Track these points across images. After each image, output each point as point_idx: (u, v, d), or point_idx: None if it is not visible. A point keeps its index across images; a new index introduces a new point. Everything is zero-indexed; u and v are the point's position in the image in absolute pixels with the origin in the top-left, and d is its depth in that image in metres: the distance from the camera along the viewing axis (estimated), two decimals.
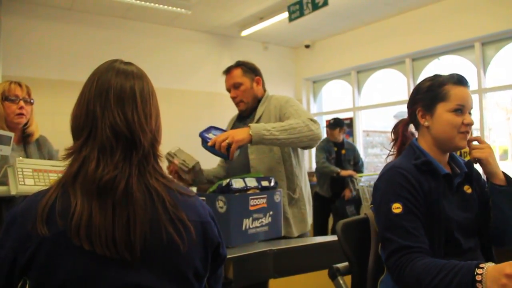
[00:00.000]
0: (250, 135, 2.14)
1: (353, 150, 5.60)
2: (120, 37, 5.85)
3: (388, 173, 1.58)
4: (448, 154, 1.69)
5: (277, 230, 2.25)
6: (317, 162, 5.44)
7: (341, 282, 1.68)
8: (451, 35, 5.54)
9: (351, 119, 6.83)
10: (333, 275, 1.70)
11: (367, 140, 7.47)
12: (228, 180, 2.09)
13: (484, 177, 1.70)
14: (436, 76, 1.67)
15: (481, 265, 1.21)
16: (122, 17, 5.87)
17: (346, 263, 1.71)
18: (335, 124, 5.43)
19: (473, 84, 5.33)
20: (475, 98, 5.26)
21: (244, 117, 2.68)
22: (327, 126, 5.52)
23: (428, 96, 1.64)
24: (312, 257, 2.11)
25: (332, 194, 5.38)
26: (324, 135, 2.29)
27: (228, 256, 1.89)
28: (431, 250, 1.47)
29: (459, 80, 1.61)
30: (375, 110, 7.00)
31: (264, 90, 2.67)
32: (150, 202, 1.03)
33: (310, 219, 2.56)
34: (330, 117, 7.21)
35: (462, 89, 1.60)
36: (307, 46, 7.28)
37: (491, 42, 5.38)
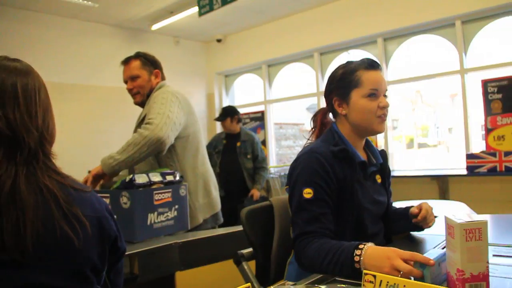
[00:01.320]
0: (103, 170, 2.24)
1: (251, 142, 4.82)
2: (22, 29, 5.50)
3: (305, 156, 1.59)
4: (364, 140, 1.74)
5: (183, 223, 2.26)
6: None
7: (246, 267, 1.71)
8: (356, 30, 5.80)
9: (262, 112, 6.93)
10: (238, 261, 1.73)
11: (280, 133, 7.63)
12: (131, 176, 2.07)
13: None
14: (348, 63, 1.68)
15: (360, 246, 1.28)
16: (25, 8, 5.52)
17: (250, 249, 1.75)
18: (223, 114, 4.83)
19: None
20: None
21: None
22: (215, 119, 5.05)
23: (341, 84, 1.65)
24: (219, 247, 2.14)
25: (225, 194, 4.60)
26: (168, 133, 2.19)
27: (133, 251, 1.87)
28: (340, 236, 1.51)
29: (370, 65, 1.63)
30: (287, 103, 7.15)
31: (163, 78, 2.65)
32: (42, 200, 1.00)
33: (205, 214, 2.56)
34: (242, 110, 7.29)
35: (374, 73, 1.62)
36: (218, 41, 7.29)
37: (393, 38, 5.71)
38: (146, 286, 1.97)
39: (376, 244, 1.64)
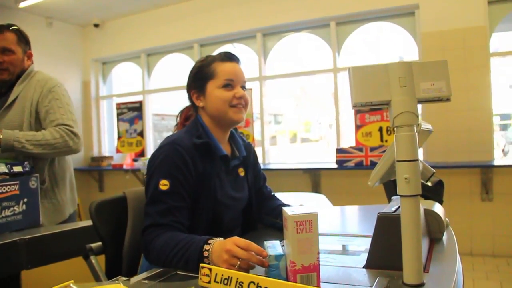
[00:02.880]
0: None
1: None
2: None
3: (166, 147, 1.53)
4: (228, 132, 1.72)
5: (34, 218, 2.08)
6: None
7: (93, 261, 1.61)
8: (237, 24, 5.87)
9: (140, 103, 6.73)
10: (86, 255, 1.62)
11: (162, 124, 7.48)
12: None
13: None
14: (207, 57, 1.69)
15: (209, 241, 1.25)
16: None
17: (100, 243, 1.65)
18: None
19: (254, 72, 5.78)
20: (256, 85, 5.66)
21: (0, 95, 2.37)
22: None
23: (198, 77, 1.65)
24: (69, 243, 1.99)
25: None
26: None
27: None
28: (194, 231, 1.48)
29: (226, 56, 1.65)
30: (171, 94, 6.98)
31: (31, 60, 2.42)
32: None
33: (70, 209, 2.43)
34: (120, 100, 7.03)
35: (230, 65, 1.64)
36: (96, 25, 6.92)
37: (272, 34, 5.83)
38: None
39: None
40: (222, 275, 1.03)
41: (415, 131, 0.97)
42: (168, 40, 6.37)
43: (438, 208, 1.46)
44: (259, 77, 5.84)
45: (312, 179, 5.34)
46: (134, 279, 1.15)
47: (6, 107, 2.26)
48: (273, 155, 6.19)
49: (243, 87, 1.64)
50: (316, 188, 5.30)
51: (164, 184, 1.45)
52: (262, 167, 5.14)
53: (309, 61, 6.37)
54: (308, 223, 1.00)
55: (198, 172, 1.53)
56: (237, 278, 1.00)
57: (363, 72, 0.99)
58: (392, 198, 1.55)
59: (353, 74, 0.99)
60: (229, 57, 1.66)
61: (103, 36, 7.00)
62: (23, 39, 2.34)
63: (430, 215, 1.41)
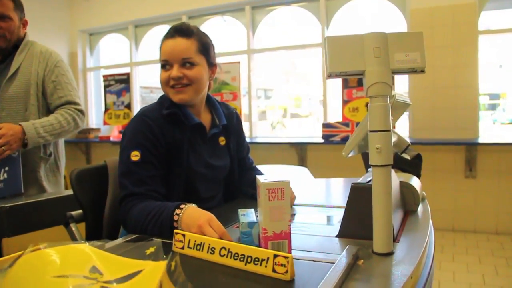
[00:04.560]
0: (26, 143, 2.06)
1: None
2: None
3: (135, 119, 1.55)
4: (203, 104, 1.69)
5: (15, 186, 2.08)
6: None
7: (74, 229, 1.63)
8: None
9: (128, 75, 6.66)
10: (66, 222, 1.63)
11: (151, 97, 7.42)
12: None
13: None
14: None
15: (181, 205, 1.27)
16: None
17: (81, 211, 1.66)
18: None
19: (242, 46, 5.74)
20: (243, 58, 5.62)
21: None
22: None
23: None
24: (51, 211, 2.00)
25: None
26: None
27: None
28: (169, 198, 1.50)
29: (168, 33, 1.57)
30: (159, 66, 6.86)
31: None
32: None
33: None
34: (107, 72, 6.95)
35: (168, 42, 1.56)
36: None
37: (260, 7, 5.77)
38: None
39: (210, 207, 1.66)
40: (195, 241, 1.04)
41: (389, 101, 0.97)
42: (156, 12, 6.27)
43: (414, 181, 1.48)
44: (247, 50, 5.80)
45: (299, 153, 5.37)
46: (111, 244, 1.16)
47: (8, 78, 2.21)
48: (263, 130, 6.19)
49: (188, 63, 1.54)
50: (302, 162, 5.34)
51: (135, 155, 1.46)
52: (249, 141, 5.13)
53: (298, 36, 6.33)
54: (280, 190, 1.00)
55: (168, 141, 1.53)
56: (209, 244, 1.01)
57: (339, 42, 0.99)
58: (368, 169, 1.57)
59: (328, 44, 0.99)
60: (170, 33, 1.57)
61: (90, 7, 6.88)
62: (19, 6, 2.28)
63: (405, 187, 1.43)
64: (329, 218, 1.44)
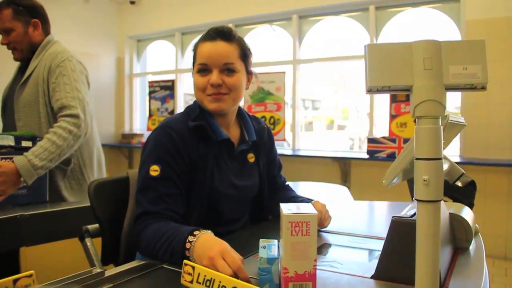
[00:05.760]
0: (21, 181, 1.90)
1: None
2: None
3: (158, 131, 1.42)
4: (232, 115, 1.55)
5: (40, 194, 2.01)
6: None
7: (88, 244, 1.51)
8: (273, 5, 5.69)
9: (173, 81, 6.65)
10: (81, 236, 1.53)
11: None
12: None
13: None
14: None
15: (195, 232, 1.12)
16: None
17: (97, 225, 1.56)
18: None
19: (289, 56, 5.62)
20: (289, 68, 5.50)
21: (23, 67, 2.26)
22: None
23: (193, 58, 1.50)
24: (72, 222, 1.91)
25: None
26: (89, 121, 2.09)
27: None
28: (189, 219, 1.38)
29: (208, 34, 1.44)
30: None
31: (47, 34, 2.24)
32: None
33: None
34: (153, 78, 6.99)
35: (207, 45, 1.43)
36: (132, 2, 6.87)
37: (308, 16, 5.63)
38: None
39: (233, 229, 1.52)
40: (205, 275, 0.91)
41: (440, 124, 0.80)
42: (203, 19, 6.24)
43: (466, 213, 1.29)
44: (293, 61, 5.66)
45: (342, 169, 5.16)
46: (110, 271, 1.04)
47: (22, 83, 2.15)
48: (309, 141, 6.02)
49: (228, 70, 1.42)
50: (345, 178, 5.12)
51: (154, 170, 1.34)
52: (291, 153, 4.98)
53: (346, 47, 6.14)
54: (305, 224, 0.85)
55: (192, 157, 1.40)
56: (220, 282, 0.88)
57: (382, 51, 0.83)
58: (413, 198, 1.38)
59: (369, 53, 0.82)
60: (211, 35, 1.43)
61: (138, 13, 6.94)
62: (21, 10, 2.15)
63: (456, 220, 1.24)
64: (367, 252, 1.26)
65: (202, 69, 1.42)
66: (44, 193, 2.03)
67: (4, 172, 1.84)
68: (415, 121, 0.83)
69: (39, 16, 2.21)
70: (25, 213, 1.77)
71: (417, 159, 0.81)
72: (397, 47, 0.83)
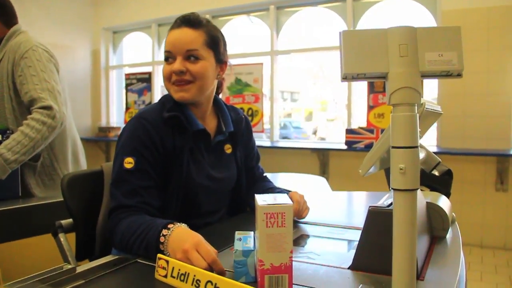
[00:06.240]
0: None
1: None
2: None
3: (132, 122, 1.38)
4: (208, 106, 1.52)
5: (12, 190, 1.96)
6: None
7: (62, 239, 1.46)
8: None
9: (150, 74, 6.57)
10: (55, 232, 1.48)
11: None
12: None
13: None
14: None
15: (169, 225, 1.10)
16: None
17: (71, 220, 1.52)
18: None
19: (266, 47, 5.59)
20: (267, 60, 5.47)
21: None
22: None
23: None
24: (44, 217, 1.86)
25: None
26: (63, 110, 1.99)
27: None
28: (166, 213, 1.35)
29: (175, 22, 1.42)
30: None
31: (9, 27, 2.13)
32: None
33: None
34: (130, 70, 6.90)
35: (173, 32, 1.40)
36: None
37: (285, 7, 5.61)
38: None
39: (211, 222, 1.50)
40: (179, 269, 0.89)
41: (417, 112, 0.79)
42: (180, 10, 6.04)
43: (443, 202, 1.29)
44: (271, 52, 5.63)
45: (321, 160, 5.17)
46: (83, 267, 1.01)
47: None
48: (285, 132, 6.01)
49: (192, 56, 1.38)
50: (323, 169, 5.14)
51: (128, 162, 1.30)
52: (269, 145, 4.95)
53: (324, 38, 6.14)
54: (281, 215, 0.83)
55: (167, 148, 1.36)
56: (194, 275, 0.86)
57: (357, 38, 0.81)
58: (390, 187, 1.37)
59: (344, 40, 0.81)
60: (177, 23, 1.41)
61: (114, 4, 6.82)
62: None
63: (433, 209, 1.24)
64: (343, 243, 1.26)
65: (168, 57, 1.40)
66: (16, 188, 1.97)
67: None
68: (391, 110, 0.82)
69: (2, 7, 2.11)
70: None
71: (393, 147, 0.79)
72: (372, 33, 0.81)
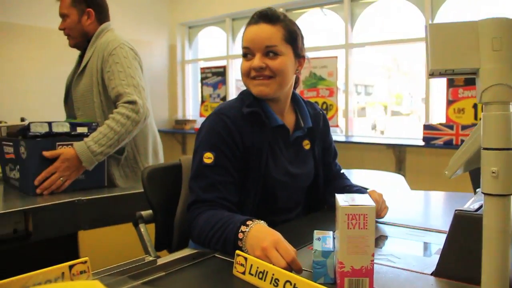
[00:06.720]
0: (83, 167, 1.96)
1: None
2: None
3: (212, 117, 1.42)
4: (286, 101, 1.52)
5: (98, 179, 2.07)
6: None
7: (142, 230, 1.53)
8: None
9: (224, 67, 6.67)
10: (135, 222, 1.55)
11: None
12: (27, 122, 1.86)
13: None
14: None
15: (247, 222, 1.10)
16: None
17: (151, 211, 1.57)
18: None
19: (341, 40, 5.49)
20: (341, 53, 5.37)
21: (82, 56, 2.30)
22: None
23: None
24: (124, 207, 1.94)
25: None
26: (148, 106, 2.08)
27: (26, 207, 1.68)
28: (243, 207, 1.37)
29: (252, 18, 1.42)
30: None
31: (101, 23, 2.26)
32: None
33: None
34: (205, 64, 7.03)
35: (251, 28, 1.41)
36: None
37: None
38: (45, 244, 1.79)
39: (288, 219, 1.49)
40: (258, 267, 0.89)
41: (511, 110, 0.74)
42: (253, 5, 6.17)
43: None
44: (345, 45, 5.52)
45: (396, 156, 5.01)
46: (163, 260, 1.04)
47: (79, 74, 2.20)
48: (361, 127, 5.86)
49: (272, 52, 1.38)
50: (399, 166, 4.98)
51: (208, 157, 1.32)
52: (344, 140, 4.86)
53: (400, 31, 5.92)
54: (363, 217, 0.81)
55: (246, 144, 1.37)
56: (273, 274, 0.85)
57: (444, 31, 0.76)
58: (477, 190, 1.30)
59: (430, 34, 0.76)
60: (254, 19, 1.41)
61: (189, 0, 6.97)
62: None
63: None
64: (425, 246, 1.20)
65: (246, 53, 1.41)
66: (102, 178, 2.07)
67: (67, 158, 1.90)
68: (475, 106, 0.76)
69: (94, 5, 2.24)
70: (83, 198, 1.82)
71: (485, 149, 0.74)
72: (461, 26, 0.76)
